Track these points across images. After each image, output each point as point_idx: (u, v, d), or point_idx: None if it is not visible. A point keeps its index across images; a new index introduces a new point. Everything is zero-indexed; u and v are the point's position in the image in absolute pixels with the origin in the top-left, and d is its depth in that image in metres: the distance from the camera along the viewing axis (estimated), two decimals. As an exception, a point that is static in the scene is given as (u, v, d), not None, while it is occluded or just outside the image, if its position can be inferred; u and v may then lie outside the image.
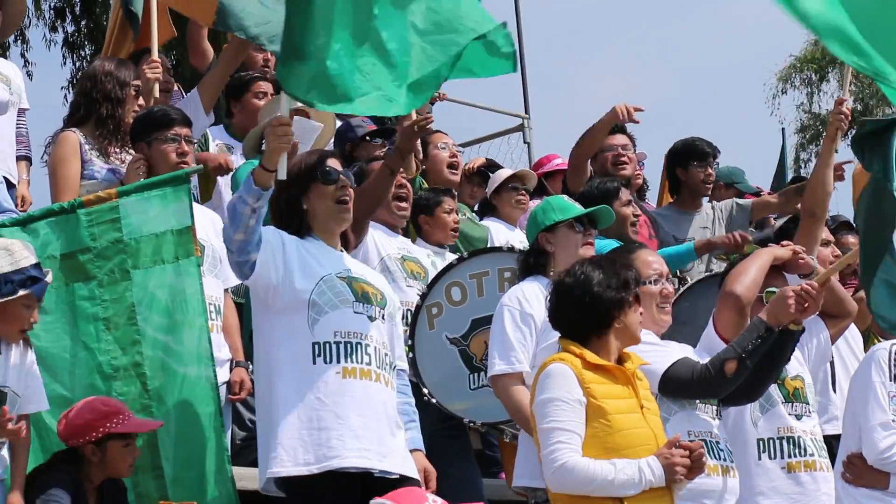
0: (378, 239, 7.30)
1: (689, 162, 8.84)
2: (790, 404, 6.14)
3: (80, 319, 5.85)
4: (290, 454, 5.23)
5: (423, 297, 7.08)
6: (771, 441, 6.07)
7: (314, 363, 5.33)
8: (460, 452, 6.97)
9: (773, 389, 6.10)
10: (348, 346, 5.36)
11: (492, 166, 10.28)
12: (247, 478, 6.27)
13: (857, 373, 6.71)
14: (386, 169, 6.78)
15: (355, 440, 5.26)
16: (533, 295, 6.12)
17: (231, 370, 6.56)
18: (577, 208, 6.42)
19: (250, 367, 6.68)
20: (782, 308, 5.64)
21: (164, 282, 5.98)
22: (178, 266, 6.03)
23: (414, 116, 7.03)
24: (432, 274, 7.30)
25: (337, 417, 5.25)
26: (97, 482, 5.58)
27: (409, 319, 6.94)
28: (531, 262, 6.35)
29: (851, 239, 8.93)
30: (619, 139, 8.89)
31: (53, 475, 5.44)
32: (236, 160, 8.09)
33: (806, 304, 5.67)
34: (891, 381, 6.49)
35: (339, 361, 5.33)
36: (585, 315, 5.25)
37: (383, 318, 5.54)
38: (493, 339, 6.16)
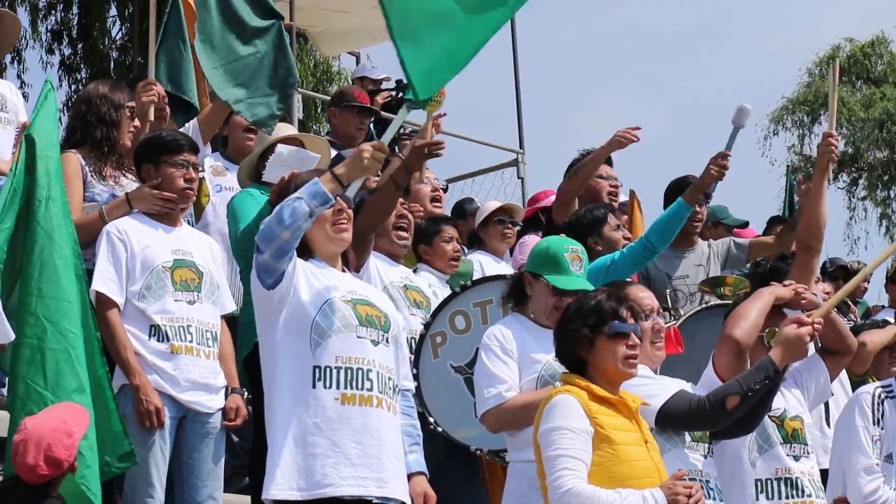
0: (381, 267, 7.27)
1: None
2: (788, 445, 6.10)
3: None
4: (286, 478, 5.16)
5: (427, 326, 7.04)
6: (769, 482, 6.04)
7: (314, 387, 5.24)
8: (467, 479, 6.96)
9: (773, 430, 6.09)
10: (349, 371, 5.28)
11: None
12: (235, 504, 6.32)
13: (841, 417, 6.75)
14: (392, 183, 6.69)
15: (351, 468, 5.19)
16: (510, 333, 6.08)
17: (226, 397, 6.56)
18: (566, 279, 6.16)
19: (245, 393, 6.72)
20: (800, 348, 5.63)
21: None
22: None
23: (428, 137, 6.98)
24: (434, 303, 7.27)
25: (333, 445, 5.18)
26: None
27: (413, 349, 6.88)
28: (511, 295, 6.29)
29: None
30: (612, 170, 8.84)
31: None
32: (230, 180, 8.16)
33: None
34: (874, 424, 6.54)
35: (338, 387, 5.25)
36: (565, 349, 5.31)
37: (387, 341, 5.45)
38: (478, 377, 6.09)
